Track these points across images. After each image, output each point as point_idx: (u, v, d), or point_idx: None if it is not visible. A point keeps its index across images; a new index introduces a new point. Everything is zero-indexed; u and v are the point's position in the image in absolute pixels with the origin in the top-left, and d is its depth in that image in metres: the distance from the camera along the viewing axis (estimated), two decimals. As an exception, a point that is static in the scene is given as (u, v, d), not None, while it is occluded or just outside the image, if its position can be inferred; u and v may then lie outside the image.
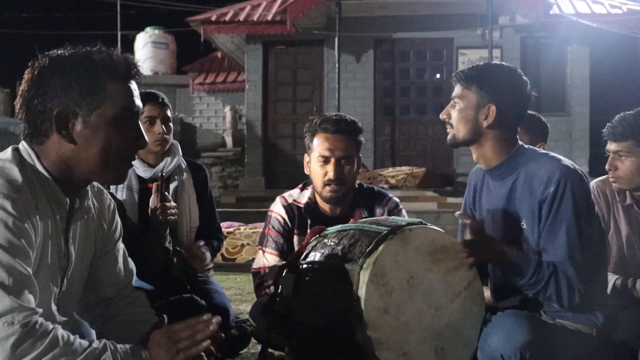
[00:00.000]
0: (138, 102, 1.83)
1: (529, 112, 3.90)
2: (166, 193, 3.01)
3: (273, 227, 3.01)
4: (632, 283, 2.82)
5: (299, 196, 3.04)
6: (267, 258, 2.98)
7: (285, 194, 3.09)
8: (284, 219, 3.00)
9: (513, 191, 2.47)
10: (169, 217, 2.97)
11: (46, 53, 1.79)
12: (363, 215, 2.93)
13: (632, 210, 2.91)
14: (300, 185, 3.12)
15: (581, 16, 12.10)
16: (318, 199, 3.00)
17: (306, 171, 3.03)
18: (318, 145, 2.91)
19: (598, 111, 12.29)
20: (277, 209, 3.03)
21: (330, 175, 2.88)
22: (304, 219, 2.98)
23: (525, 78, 2.50)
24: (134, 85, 1.83)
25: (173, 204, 3.01)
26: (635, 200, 2.91)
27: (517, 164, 2.46)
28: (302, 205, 3.00)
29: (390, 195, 3.10)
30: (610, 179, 2.89)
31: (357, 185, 3.04)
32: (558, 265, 2.32)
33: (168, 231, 3.02)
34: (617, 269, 2.93)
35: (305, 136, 3.00)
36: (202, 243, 3.28)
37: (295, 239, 2.97)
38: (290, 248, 2.93)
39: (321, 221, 2.86)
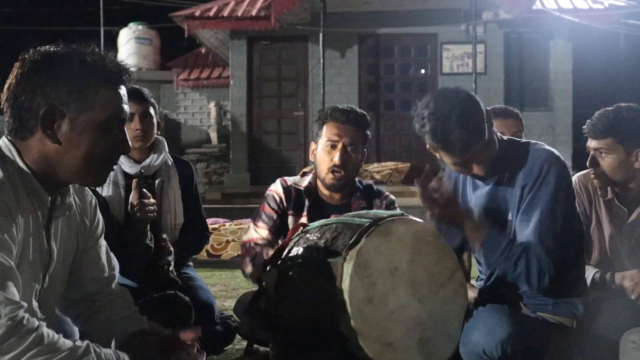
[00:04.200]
0: (126, 108, 1.83)
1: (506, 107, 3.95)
2: (145, 190, 2.98)
3: (268, 204, 3.05)
4: (611, 276, 2.85)
5: (300, 180, 3.10)
6: (258, 231, 3.01)
7: (286, 178, 3.15)
8: (280, 198, 3.05)
9: (500, 184, 2.49)
10: (147, 214, 2.95)
11: (38, 48, 1.77)
12: (362, 206, 3.00)
13: (613, 204, 2.94)
14: (300, 173, 3.19)
15: (564, 11, 12.17)
16: (319, 185, 3.06)
17: (311, 158, 3.10)
18: (327, 132, 2.98)
19: (581, 106, 12.36)
20: (275, 188, 3.08)
21: (336, 160, 2.93)
22: (301, 202, 3.04)
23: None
24: (123, 91, 1.82)
25: (152, 200, 2.99)
26: (616, 195, 2.93)
27: (502, 157, 2.47)
28: (302, 188, 3.06)
29: (387, 192, 3.18)
30: (591, 176, 2.91)
31: (356, 181, 3.11)
32: (529, 246, 2.34)
33: (149, 228, 3.00)
34: (598, 263, 2.96)
35: (315, 125, 3.08)
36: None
37: (290, 219, 3.02)
38: (283, 228, 2.98)
39: (319, 206, 2.99)
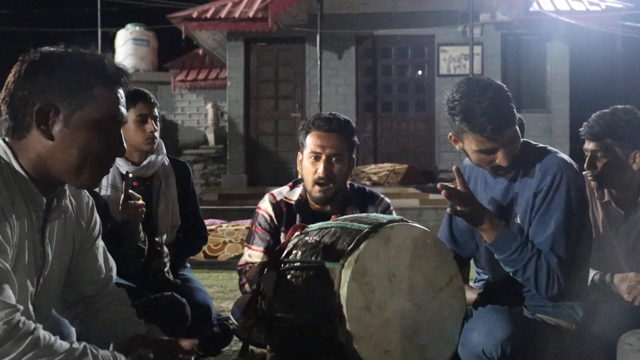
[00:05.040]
0: (123, 110, 1.81)
1: None
2: (131, 191, 2.91)
3: (259, 225, 3.00)
4: (610, 278, 2.85)
5: (290, 193, 3.04)
6: (252, 255, 2.98)
7: (275, 191, 3.08)
8: (270, 217, 3.00)
9: (511, 186, 2.48)
10: (133, 216, 2.87)
11: (38, 49, 1.77)
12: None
13: (610, 207, 2.93)
14: (290, 183, 3.12)
15: (560, 13, 12.19)
16: (309, 197, 2.99)
17: (299, 169, 3.03)
18: (310, 143, 2.91)
19: (578, 107, 12.39)
20: (264, 207, 3.03)
21: (320, 172, 2.87)
22: (293, 216, 2.97)
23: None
24: (121, 93, 1.80)
25: (139, 202, 2.92)
26: (613, 197, 2.93)
27: (517, 158, 2.45)
28: (292, 202, 3.00)
29: (382, 196, 3.11)
30: (589, 178, 2.90)
31: (348, 185, 3.04)
32: (543, 251, 2.35)
33: (141, 229, 2.97)
34: (594, 265, 2.95)
35: (299, 134, 3.00)
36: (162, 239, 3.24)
37: (282, 236, 2.95)
38: (277, 245, 2.92)
39: (312, 219, 2.85)
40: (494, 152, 2.39)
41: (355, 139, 2.99)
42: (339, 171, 2.90)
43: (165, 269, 3.12)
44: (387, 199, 3.11)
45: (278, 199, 3.03)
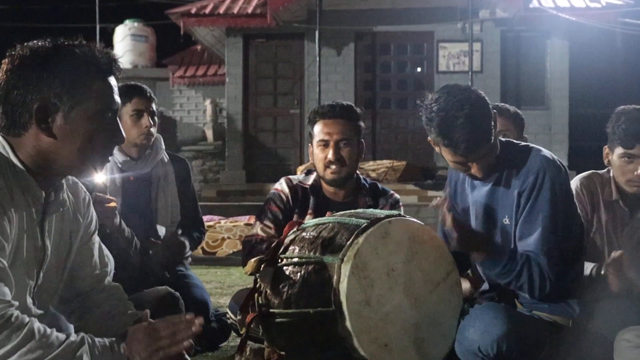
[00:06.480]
0: (117, 98, 1.83)
1: (512, 107, 3.86)
2: (100, 194, 2.83)
3: (274, 202, 3.07)
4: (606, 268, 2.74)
5: (304, 179, 3.14)
6: (264, 229, 3.03)
7: (290, 177, 3.18)
8: (287, 197, 3.07)
9: (496, 187, 2.49)
10: (101, 220, 2.78)
11: (26, 44, 1.76)
12: (368, 204, 3.03)
13: (617, 206, 2.88)
14: (305, 171, 3.22)
15: (560, 10, 12.17)
16: (323, 183, 3.09)
17: (311, 160, 3.14)
18: (318, 131, 3.02)
19: (577, 105, 12.39)
20: (281, 187, 3.11)
21: (330, 157, 2.97)
22: (307, 201, 3.06)
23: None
24: (113, 82, 1.82)
25: (110, 205, 2.85)
26: (622, 196, 2.88)
27: (500, 160, 2.47)
28: (307, 186, 3.08)
29: (392, 191, 3.20)
30: (634, 185, 2.79)
31: (361, 178, 3.13)
32: (531, 256, 2.34)
33: (124, 227, 2.92)
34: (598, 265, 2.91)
35: (309, 127, 3.10)
36: (179, 232, 3.25)
37: (295, 218, 3.03)
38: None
39: (325, 204, 3.02)
40: (468, 165, 2.42)
41: (361, 123, 3.08)
42: (348, 155, 3.00)
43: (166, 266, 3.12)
44: (396, 194, 3.20)
45: (294, 182, 3.12)
